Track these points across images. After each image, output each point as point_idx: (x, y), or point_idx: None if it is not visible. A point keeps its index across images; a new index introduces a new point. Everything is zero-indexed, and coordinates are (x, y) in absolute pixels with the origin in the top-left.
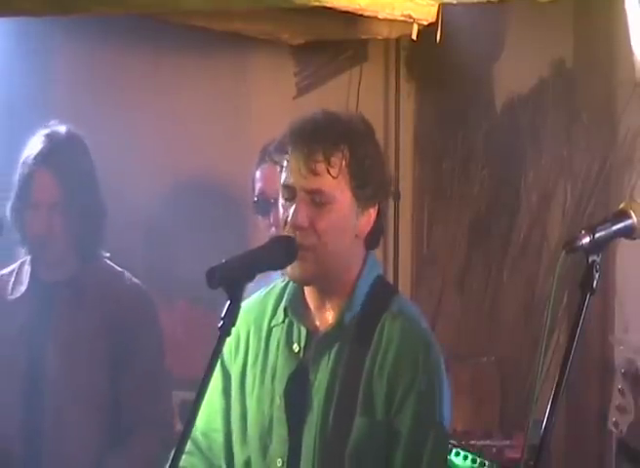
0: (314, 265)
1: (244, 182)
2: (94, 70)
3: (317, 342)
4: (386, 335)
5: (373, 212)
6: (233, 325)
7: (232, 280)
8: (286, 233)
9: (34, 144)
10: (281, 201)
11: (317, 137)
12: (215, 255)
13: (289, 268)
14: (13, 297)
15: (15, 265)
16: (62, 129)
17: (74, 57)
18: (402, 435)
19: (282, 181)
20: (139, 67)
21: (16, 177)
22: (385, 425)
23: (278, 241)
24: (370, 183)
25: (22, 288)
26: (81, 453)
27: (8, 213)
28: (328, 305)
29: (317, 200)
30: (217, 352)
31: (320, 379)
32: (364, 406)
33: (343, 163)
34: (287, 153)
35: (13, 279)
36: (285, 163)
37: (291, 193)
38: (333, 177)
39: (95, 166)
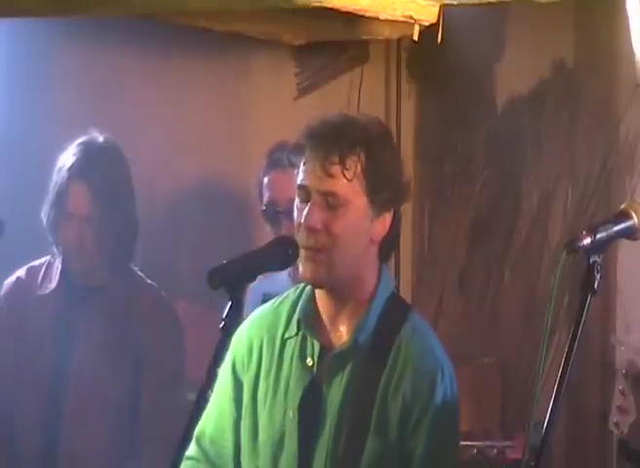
0: (326, 267)
1: (245, 183)
2: (94, 72)
3: (331, 360)
4: (402, 355)
5: (388, 217)
6: (235, 325)
7: (234, 280)
8: (300, 235)
9: (70, 154)
10: (296, 202)
11: (334, 140)
12: (215, 256)
13: (301, 269)
14: (41, 293)
15: (45, 258)
16: (100, 139)
17: (75, 58)
18: (417, 455)
19: (298, 182)
20: (139, 68)
21: (50, 184)
22: (399, 445)
23: (279, 242)
24: (386, 188)
25: (52, 285)
26: (96, 456)
27: (42, 216)
28: (342, 318)
29: (331, 202)
30: (218, 353)
31: (333, 396)
32: (378, 425)
33: (359, 166)
34: (304, 155)
35: (42, 273)
36: (301, 166)
37: (305, 194)
38: (348, 180)
39: (131, 177)
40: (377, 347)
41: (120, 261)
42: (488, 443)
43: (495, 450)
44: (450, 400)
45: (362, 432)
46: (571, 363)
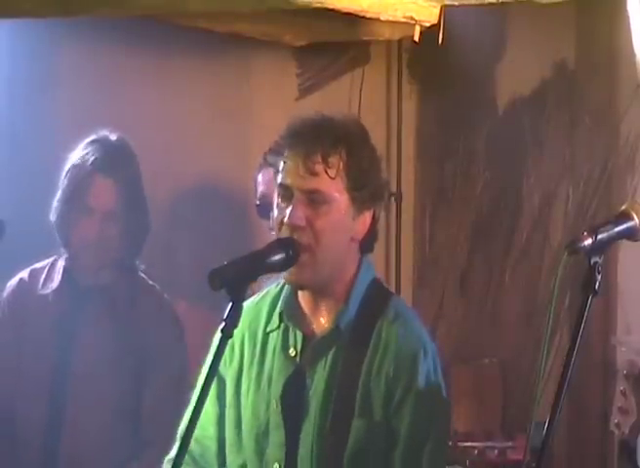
0: (311, 268)
1: (246, 184)
2: (95, 72)
3: (313, 346)
4: (384, 337)
5: (368, 216)
6: (235, 326)
7: (234, 281)
8: (282, 234)
9: (86, 151)
10: (277, 201)
11: (315, 138)
12: (216, 257)
13: (286, 272)
14: (43, 293)
15: (48, 260)
16: (113, 137)
17: (76, 58)
18: (401, 435)
19: (279, 181)
20: (140, 69)
21: (63, 181)
22: (384, 426)
23: (279, 243)
24: (366, 186)
25: (53, 285)
26: (97, 457)
27: (52, 216)
28: (323, 309)
29: (314, 199)
30: (218, 354)
31: (317, 383)
32: (362, 407)
33: (341, 164)
34: (283, 155)
35: (44, 274)
36: (281, 165)
37: (287, 193)
38: (331, 178)
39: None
40: (358, 331)
41: (129, 259)
42: (489, 443)
43: (496, 451)
44: (433, 380)
45: (347, 416)
46: (572, 363)
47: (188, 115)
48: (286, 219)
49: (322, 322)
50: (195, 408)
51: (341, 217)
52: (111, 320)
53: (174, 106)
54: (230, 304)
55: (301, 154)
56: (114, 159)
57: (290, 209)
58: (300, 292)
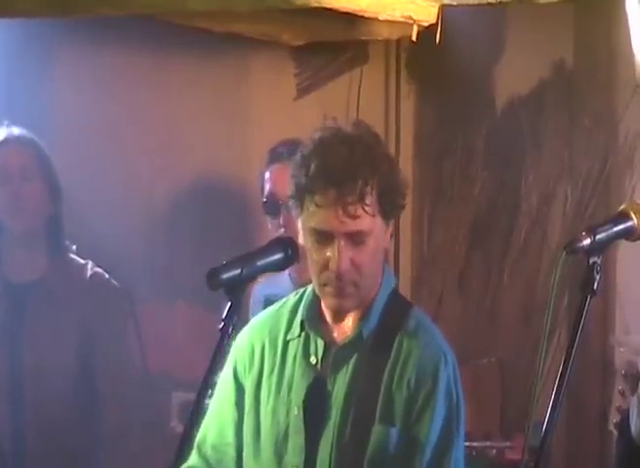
0: (355, 297)
1: (245, 183)
2: (94, 72)
3: (335, 354)
4: (406, 347)
5: (392, 224)
6: (234, 326)
7: (233, 281)
8: (323, 276)
9: None
10: (310, 241)
11: (348, 179)
12: (214, 257)
13: (329, 300)
14: None
15: None
16: (16, 131)
17: (74, 58)
18: (421, 444)
19: (313, 225)
20: (139, 69)
21: None
22: (404, 434)
23: (278, 242)
24: (396, 202)
25: None
26: (62, 449)
27: None
28: (346, 317)
29: (357, 240)
30: (217, 354)
31: (338, 390)
32: (383, 414)
33: (374, 193)
34: (308, 191)
35: None
36: (312, 206)
37: (326, 237)
38: (371, 216)
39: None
40: (380, 340)
41: (55, 237)
42: (487, 443)
43: (494, 451)
44: (453, 387)
45: (367, 423)
46: (570, 363)
47: (186, 115)
48: (330, 265)
49: (344, 330)
50: (197, 408)
51: (380, 243)
52: (53, 308)
53: (172, 106)
54: (229, 304)
55: (339, 201)
56: (23, 136)
57: (331, 253)
58: (322, 301)
